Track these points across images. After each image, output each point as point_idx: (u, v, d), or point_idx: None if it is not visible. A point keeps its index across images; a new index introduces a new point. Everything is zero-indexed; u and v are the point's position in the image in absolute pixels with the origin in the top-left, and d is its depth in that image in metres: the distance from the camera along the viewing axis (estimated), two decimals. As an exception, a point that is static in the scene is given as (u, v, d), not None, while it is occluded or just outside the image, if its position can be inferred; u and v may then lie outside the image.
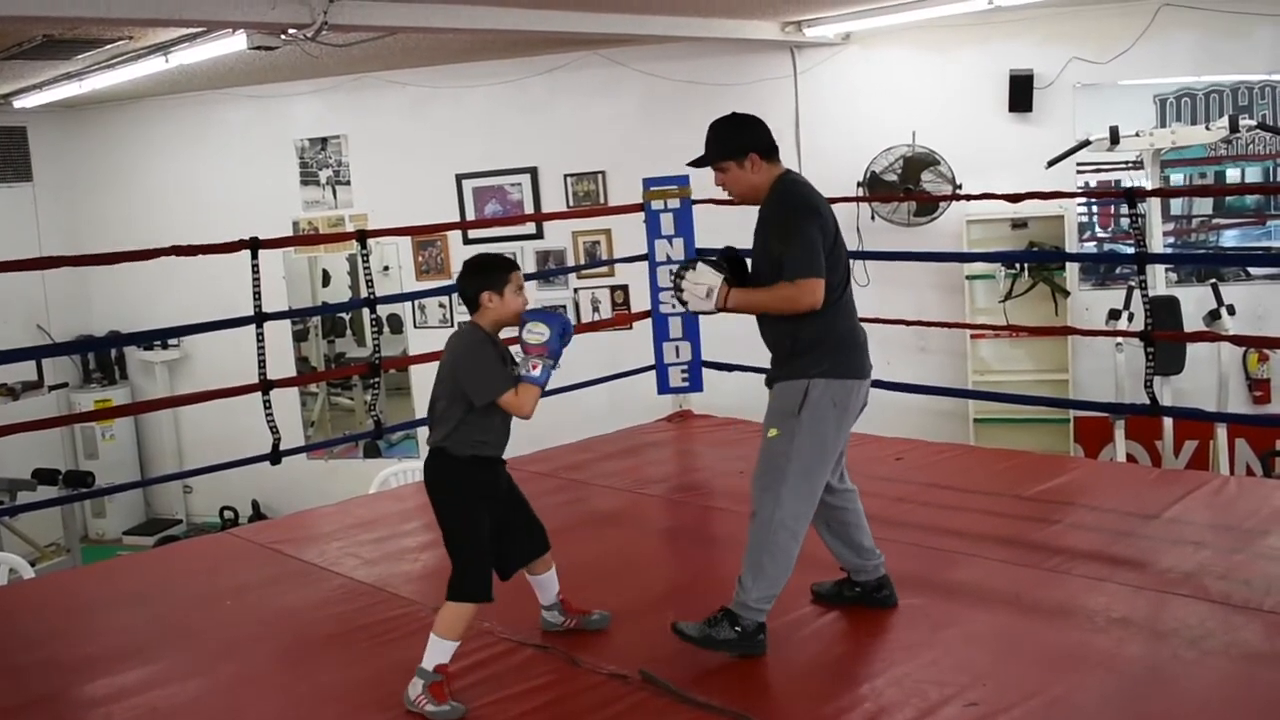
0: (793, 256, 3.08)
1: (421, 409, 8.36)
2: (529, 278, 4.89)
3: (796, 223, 3.11)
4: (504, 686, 3.04)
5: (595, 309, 8.31)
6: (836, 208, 3.49)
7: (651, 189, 6.15)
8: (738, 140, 3.23)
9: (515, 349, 3.09)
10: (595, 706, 2.91)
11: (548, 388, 3.03)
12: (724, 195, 3.38)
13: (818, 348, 3.15)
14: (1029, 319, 7.06)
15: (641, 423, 6.27)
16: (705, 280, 3.21)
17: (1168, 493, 4.40)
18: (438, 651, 2.95)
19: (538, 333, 2.98)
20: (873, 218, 7.32)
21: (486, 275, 3.06)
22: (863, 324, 3.36)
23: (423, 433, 8.32)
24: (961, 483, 4.77)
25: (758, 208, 3.28)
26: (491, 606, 3.02)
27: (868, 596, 3.44)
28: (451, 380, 3.02)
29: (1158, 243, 6.43)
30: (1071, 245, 7.15)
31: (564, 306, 8.17)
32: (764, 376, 3.31)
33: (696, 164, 3.33)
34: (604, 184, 8.18)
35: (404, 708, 2.95)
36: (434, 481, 3.07)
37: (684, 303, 3.27)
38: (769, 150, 3.24)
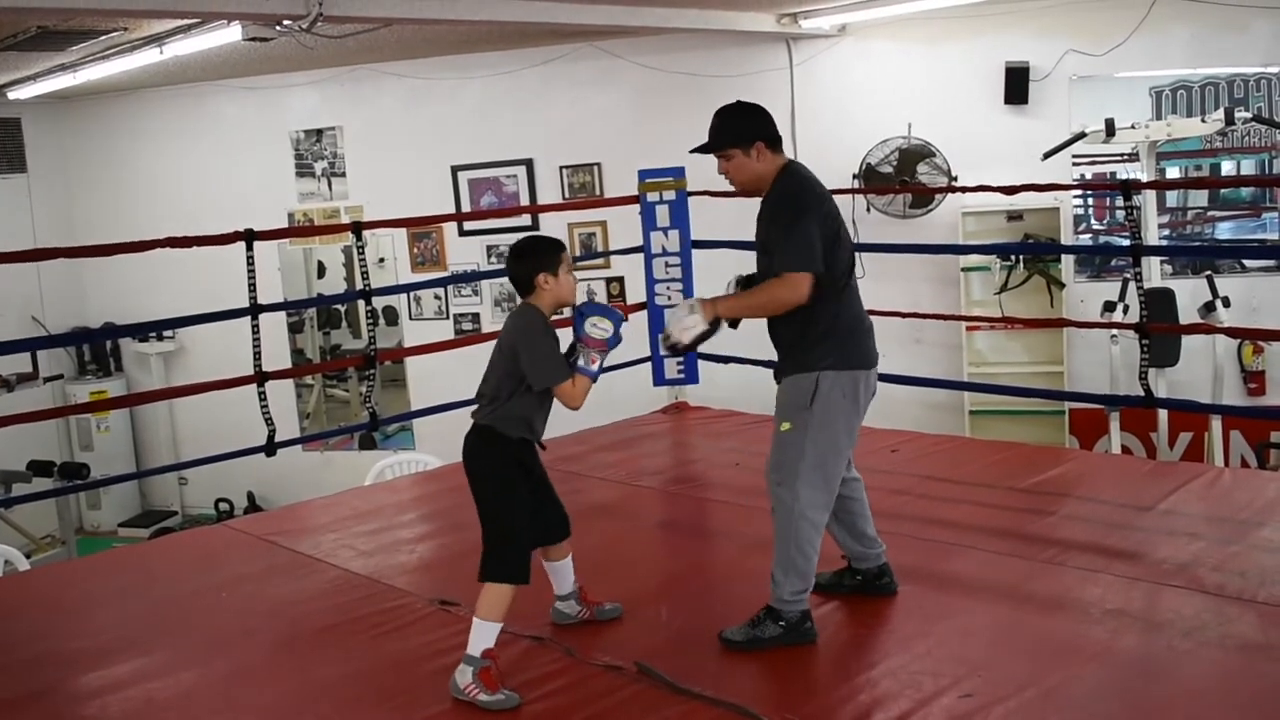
0: (786, 250, 3.08)
1: (417, 401, 8.39)
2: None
3: (795, 215, 3.11)
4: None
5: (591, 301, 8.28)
6: (832, 200, 3.47)
7: (647, 181, 6.14)
8: (745, 128, 3.21)
9: (562, 337, 3.08)
10: (591, 698, 2.91)
11: None
12: (719, 187, 3.38)
13: (827, 340, 3.15)
14: (1024, 311, 7.06)
15: (637, 414, 6.27)
16: (682, 306, 3.22)
17: (1162, 484, 4.40)
18: (483, 635, 2.92)
19: (602, 328, 3.00)
20: (868, 210, 7.32)
21: (539, 257, 3.05)
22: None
23: (419, 424, 8.48)
24: (957, 475, 4.78)
25: (758, 199, 3.26)
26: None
27: (869, 584, 3.45)
28: (511, 360, 3.00)
29: (1153, 235, 6.44)
30: (1067, 237, 7.15)
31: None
32: (768, 370, 3.32)
33: (701, 150, 3.29)
34: (599, 176, 8.17)
35: (400, 699, 2.94)
36: (477, 458, 3.04)
37: (675, 345, 3.21)
38: (774, 140, 3.22)
